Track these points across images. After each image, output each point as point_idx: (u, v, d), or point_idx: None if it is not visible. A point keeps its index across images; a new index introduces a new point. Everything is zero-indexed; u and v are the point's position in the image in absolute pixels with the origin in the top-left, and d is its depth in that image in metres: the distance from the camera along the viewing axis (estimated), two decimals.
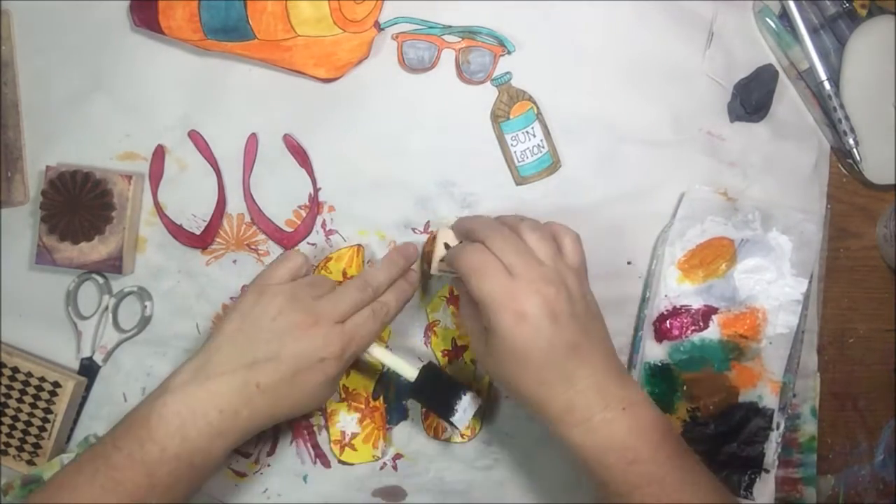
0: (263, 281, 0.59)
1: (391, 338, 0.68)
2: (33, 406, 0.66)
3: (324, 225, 0.68)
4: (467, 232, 0.59)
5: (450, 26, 0.66)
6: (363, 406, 0.67)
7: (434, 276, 0.65)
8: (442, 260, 0.61)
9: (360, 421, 0.67)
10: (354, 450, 0.67)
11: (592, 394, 0.53)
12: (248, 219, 0.68)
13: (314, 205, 0.67)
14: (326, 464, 0.68)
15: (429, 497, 0.68)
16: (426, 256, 0.66)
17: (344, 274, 0.66)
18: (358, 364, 0.67)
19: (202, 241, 0.67)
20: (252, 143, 0.67)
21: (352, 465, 0.67)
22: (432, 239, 0.63)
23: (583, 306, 0.55)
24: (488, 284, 0.53)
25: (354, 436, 0.67)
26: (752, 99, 0.66)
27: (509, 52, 0.67)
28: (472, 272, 0.54)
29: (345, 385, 0.67)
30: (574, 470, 0.55)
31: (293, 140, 0.67)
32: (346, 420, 0.67)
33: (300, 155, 0.67)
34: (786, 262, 0.66)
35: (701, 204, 0.66)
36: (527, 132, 0.67)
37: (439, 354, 0.67)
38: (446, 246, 0.61)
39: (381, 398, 0.67)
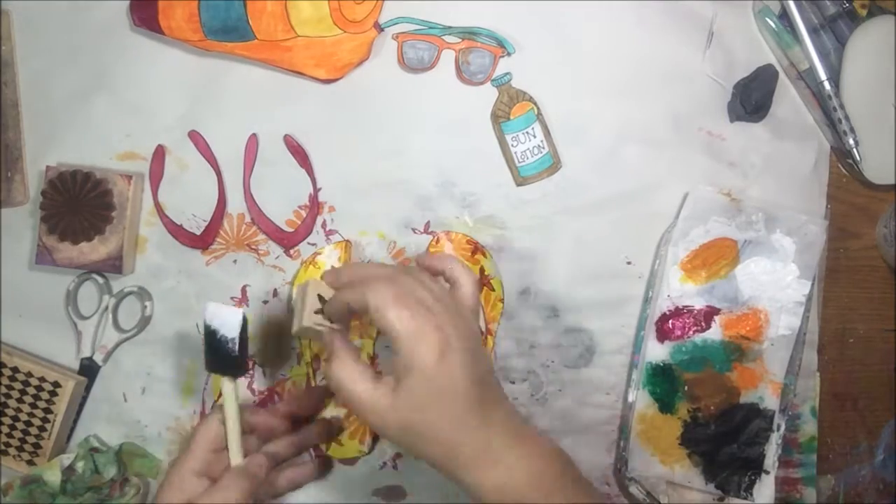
0: None
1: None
2: (33, 406, 0.66)
3: (324, 225, 0.68)
4: (352, 278, 0.53)
5: (450, 27, 0.66)
6: None
7: (301, 333, 0.55)
8: (318, 312, 0.54)
9: (347, 416, 0.66)
10: (340, 444, 0.66)
11: (506, 431, 0.51)
12: (248, 219, 0.68)
13: (314, 205, 0.67)
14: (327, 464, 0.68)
15: (429, 497, 0.68)
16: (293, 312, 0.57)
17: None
18: None
19: (202, 241, 0.67)
20: (252, 143, 0.67)
21: (341, 459, 0.67)
22: (301, 294, 0.55)
23: (483, 348, 0.53)
24: (411, 317, 0.48)
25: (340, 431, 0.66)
26: (752, 99, 0.66)
27: (509, 54, 0.67)
28: (393, 304, 0.48)
29: None
30: None
31: (293, 140, 0.67)
32: (333, 415, 0.66)
33: (300, 155, 0.67)
34: (789, 264, 0.66)
35: (705, 204, 0.66)
36: (527, 133, 0.67)
37: None
38: (321, 298, 0.54)
39: None
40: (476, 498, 0.51)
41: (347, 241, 0.67)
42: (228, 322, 0.55)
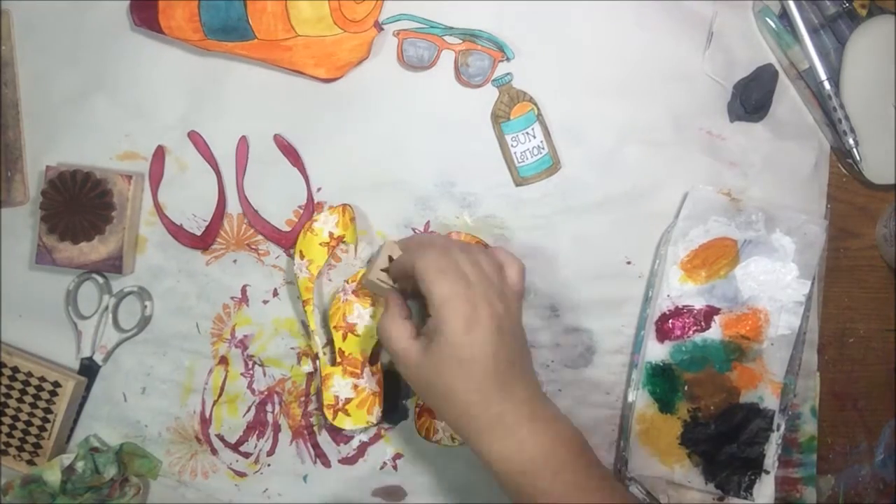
0: None
1: None
2: (33, 406, 0.66)
3: None
4: (419, 245, 0.59)
5: (451, 27, 0.66)
6: (359, 371, 0.66)
7: (367, 285, 0.64)
8: (384, 270, 0.60)
9: (355, 386, 0.66)
10: (348, 415, 0.65)
11: (523, 409, 0.54)
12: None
13: (310, 204, 0.67)
14: (327, 464, 0.68)
15: (429, 497, 0.68)
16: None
17: (331, 235, 0.66)
18: (355, 328, 0.66)
19: (203, 241, 0.67)
20: (242, 144, 0.67)
21: (344, 429, 0.66)
22: (377, 251, 0.61)
23: (520, 330, 0.58)
24: (448, 286, 0.54)
25: (348, 401, 0.65)
26: (752, 99, 0.66)
27: (508, 59, 0.66)
28: (434, 272, 0.54)
29: (341, 349, 0.66)
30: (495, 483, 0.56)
31: (283, 140, 0.67)
32: (341, 385, 0.66)
33: (292, 154, 0.67)
34: (789, 264, 0.66)
35: (704, 204, 0.66)
36: (527, 133, 0.67)
37: None
38: (390, 259, 0.60)
39: (379, 364, 0.66)
40: (483, 464, 0.55)
41: (346, 204, 0.67)
42: None
